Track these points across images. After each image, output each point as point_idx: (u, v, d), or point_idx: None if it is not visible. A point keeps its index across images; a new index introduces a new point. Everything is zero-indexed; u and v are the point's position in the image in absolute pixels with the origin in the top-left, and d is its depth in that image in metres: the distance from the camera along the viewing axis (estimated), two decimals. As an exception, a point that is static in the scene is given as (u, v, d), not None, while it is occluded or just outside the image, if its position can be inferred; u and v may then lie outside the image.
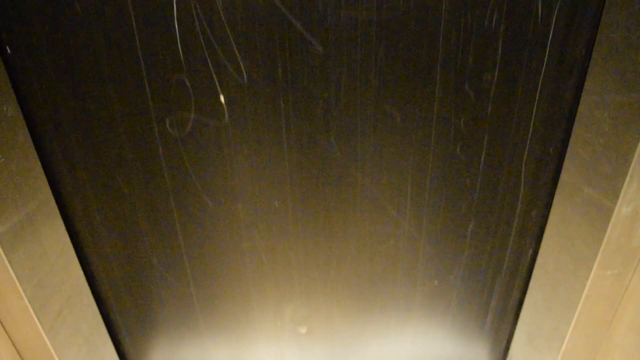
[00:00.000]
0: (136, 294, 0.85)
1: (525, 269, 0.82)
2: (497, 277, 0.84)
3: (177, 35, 0.60)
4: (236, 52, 0.61)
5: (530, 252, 0.80)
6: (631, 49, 0.54)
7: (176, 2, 0.58)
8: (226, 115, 0.66)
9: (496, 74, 0.63)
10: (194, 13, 0.58)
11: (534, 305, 0.82)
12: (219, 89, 0.64)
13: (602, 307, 0.67)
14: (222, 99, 0.64)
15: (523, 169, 0.71)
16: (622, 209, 0.58)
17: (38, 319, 0.66)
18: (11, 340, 0.68)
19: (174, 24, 0.59)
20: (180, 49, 0.61)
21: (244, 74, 0.63)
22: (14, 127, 0.62)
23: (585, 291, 0.66)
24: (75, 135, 0.67)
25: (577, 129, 0.66)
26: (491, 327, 0.91)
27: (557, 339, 0.73)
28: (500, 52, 0.61)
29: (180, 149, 0.68)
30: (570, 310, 0.69)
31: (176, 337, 0.92)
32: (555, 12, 0.59)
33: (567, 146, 0.68)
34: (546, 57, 0.62)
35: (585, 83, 0.63)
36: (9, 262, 0.61)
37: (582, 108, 0.64)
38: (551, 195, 0.73)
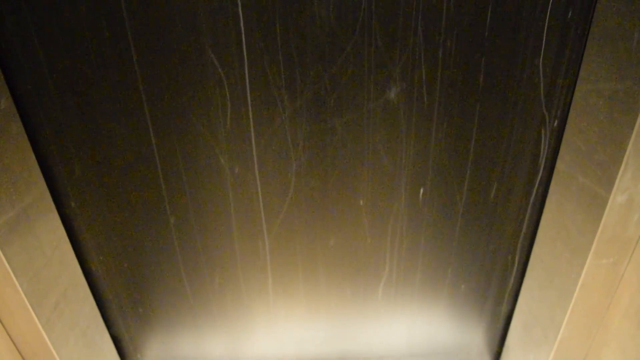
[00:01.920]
0: (132, 287, 0.85)
1: (522, 258, 0.83)
2: (493, 266, 0.84)
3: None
4: None
5: (526, 241, 0.80)
6: (625, 37, 0.53)
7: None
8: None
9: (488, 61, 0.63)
10: None
11: (530, 295, 0.82)
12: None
13: (598, 296, 0.67)
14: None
15: (521, 160, 0.71)
16: (617, 197, 0.58)
17: (34, 312, 0.66)
18: (8, 333, 0.68)
19: None
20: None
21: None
22: (7, 119, 0.62)
23: (581, 280, 0.66)
24: (70, 127, 0.67)
25: (572, 118, 0.65)
26: (487, 316, 0.92)
27: (553, 327, 0.74)
28: (493, 39, 0.61)
29: (174, 144, 0.68)
30: (566, 299, 0.70)
31: (173, 330, 0.92)
32: (550, 1, 0.59)
33: (562, 135, 0.68)
34: (542, 46, 0.62)
35: (580, 71, 0.63)
36: (5, 255, 0.61)
37: (577, 96, 0.64)
38: (547, 185, 0.73)
